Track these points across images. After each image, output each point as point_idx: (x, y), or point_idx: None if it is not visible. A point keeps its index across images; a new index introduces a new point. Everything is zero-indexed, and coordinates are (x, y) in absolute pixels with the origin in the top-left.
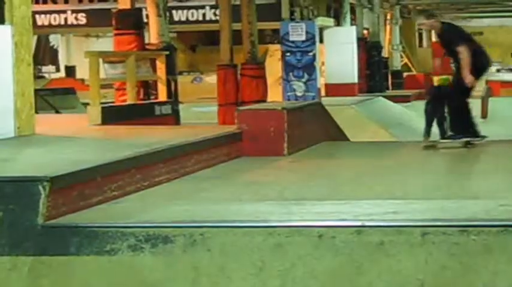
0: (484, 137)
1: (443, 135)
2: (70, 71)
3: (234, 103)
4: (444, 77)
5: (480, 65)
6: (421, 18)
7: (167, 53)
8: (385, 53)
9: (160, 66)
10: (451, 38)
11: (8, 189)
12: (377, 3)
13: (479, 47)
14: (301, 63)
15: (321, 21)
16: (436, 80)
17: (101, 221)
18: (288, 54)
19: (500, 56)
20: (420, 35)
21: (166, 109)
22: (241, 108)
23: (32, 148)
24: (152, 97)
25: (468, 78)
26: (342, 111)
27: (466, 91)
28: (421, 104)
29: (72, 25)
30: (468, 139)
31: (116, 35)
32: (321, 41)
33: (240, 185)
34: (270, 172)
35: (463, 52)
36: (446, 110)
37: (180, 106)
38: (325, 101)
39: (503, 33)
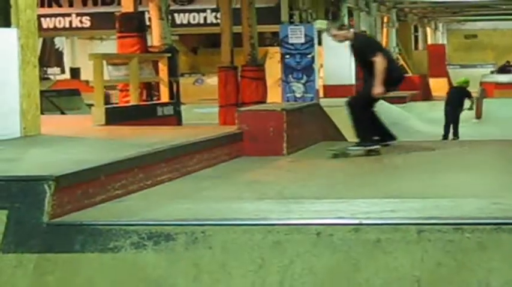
0: (395, 138)
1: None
2: (75, 72)
3: (235, 104)
4: (463, 79)
5: (396, 75)
6: (332, 29)
7: (169, 55)
8: None
9: (163, 68)
10: (366, 48)
11: (14, 188)
12: (374, 7)
13: (393, 59)
14: (300, 65)
15: (319, 24)
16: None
17: (105, 219)
18: (287, 56)
19: (494, 59)
20: (416, 37)
21: (169, 110)
22: (241, 109)
23: (38, 147)
24: (155, 98)
25: (379, 89)
26: (340, 112)
27: (374, 101)
28: (417, 105)
29: (76, 28)
30: (373, 147)
31: (119, 37)
32: (320, 43)
33: (240, 184)
34: (269, 172)
35: (380, 62)
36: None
37: (182, 107)
38: (324, 102)
39: (497, 36)
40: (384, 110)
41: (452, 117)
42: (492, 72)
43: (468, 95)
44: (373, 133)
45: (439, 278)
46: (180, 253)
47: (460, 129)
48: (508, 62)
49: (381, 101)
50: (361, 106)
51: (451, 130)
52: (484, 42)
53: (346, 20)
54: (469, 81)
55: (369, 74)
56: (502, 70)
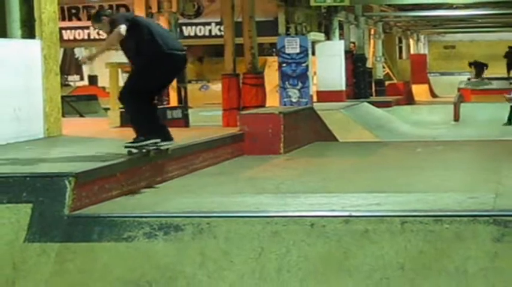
0: (170, 142)
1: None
2: (93, 79)
3: (237, 108)
4: None
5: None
6: (94, 24)
7: None
8: (369, 64)
9: None
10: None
11: (38, 183)
12: (362, 20)
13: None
14: (296, 73)
15: (313, 36)
16: None
17: (120, 212)
18: (284, 65)
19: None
20: (400, 48)
21: (177, 113)
22: (243, 112)
23: (59, 147)
24: (165, 103)
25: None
26: (332, 115)
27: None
28: (401, 109)
29: (94, 39)
30: (151, 143)
31: None
32: (313, 53)
33: (241, 180)
34: (268, 169)
35: (115, 32)
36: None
37: (189, 111)
38: (317, 106)
39: (473, 47)
40: (371, 113)
41: None
42: (469, 79)
43: None
44: (150, 127)
45: (421, 265)
46: (188, 242)
47: (440, 131)
48: (476, 61)
49: (368, 105)
50: (132, 98)
51: None
52: (461, 53)
53: (337, 32)
54: None
55: (134, 64)
56: (474, 64)
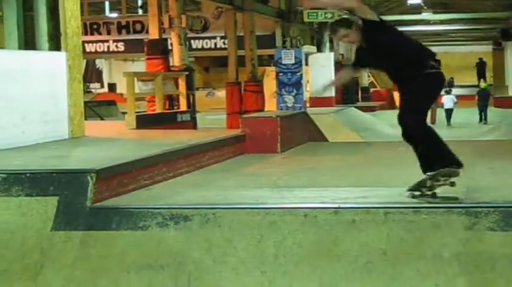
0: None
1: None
2: (112, 87)
3: (239, 112)
4: (486, 84)
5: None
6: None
7: (187, 73)
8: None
9: (182, 83)
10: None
11: (63, 179)
12: None
13: None
14: (291, 81)
15: (306, 48)
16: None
17: (136, 204)
18: (281, 74)
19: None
20: None
21: (186, 117)
22: (244, 116)
23: (82, 147)
24: (175, 107)
25: None
26: (323, 118)
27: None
28: (385, 113)
29: (113, 51)
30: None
31: (147, 59)
32: (307, 63)
33: (243, 176)
34: (266, 166)
35: None
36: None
37: (197, 115)
38: (310, 110)
39: (447, 58)
40: (358, 117)
41: (482, 108)
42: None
43: (490, 94)
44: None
45: (402, 251)
46: (196, 230)
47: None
48: (451, 78)
49: (355, 110)
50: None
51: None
52: None
53: (327, 46)
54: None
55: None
56: (449, 84)
